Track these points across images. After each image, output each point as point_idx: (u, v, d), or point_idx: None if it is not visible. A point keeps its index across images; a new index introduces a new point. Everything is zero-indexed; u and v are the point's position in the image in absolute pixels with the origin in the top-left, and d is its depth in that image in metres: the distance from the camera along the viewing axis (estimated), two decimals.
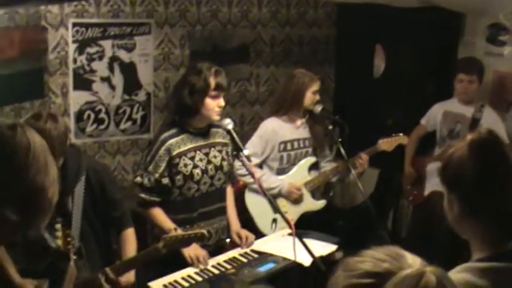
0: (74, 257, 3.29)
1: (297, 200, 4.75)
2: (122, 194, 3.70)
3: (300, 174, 4.78)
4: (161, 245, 3.27)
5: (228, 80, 4.19)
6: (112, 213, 3.57)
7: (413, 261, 1.31)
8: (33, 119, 3.11)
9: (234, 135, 3.63)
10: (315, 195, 4.94)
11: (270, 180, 4.62)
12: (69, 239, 3.33)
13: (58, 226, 3.33)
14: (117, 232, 3.66)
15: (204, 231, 3.36)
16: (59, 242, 3.32)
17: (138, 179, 3.81)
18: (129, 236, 3.63)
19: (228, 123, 3.70)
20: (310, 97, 4.61)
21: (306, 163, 4.80)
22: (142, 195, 3.80)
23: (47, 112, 3.35)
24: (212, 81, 3.70)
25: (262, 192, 3.51)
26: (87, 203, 3.37)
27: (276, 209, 3.57)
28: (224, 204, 4.06)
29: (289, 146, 4.70)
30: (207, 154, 3.87)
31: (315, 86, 4.63)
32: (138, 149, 5.88)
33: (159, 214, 3.81)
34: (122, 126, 5.84)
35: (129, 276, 3.44)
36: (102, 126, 5.75)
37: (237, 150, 3.59)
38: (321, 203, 4.94)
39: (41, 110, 3.49)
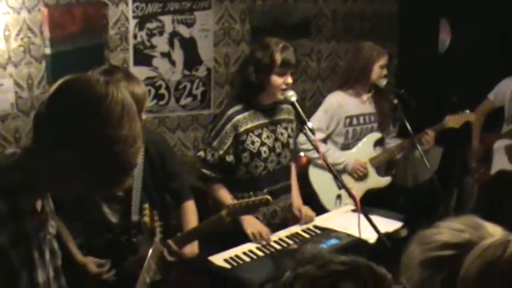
0: (160, 235, 3.27)
1: (361, 177, 4.67)
2: (181, 167, 3.66)
3: (364, 150, 4.70)
4: (224, 212, 3.20)
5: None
6: (171, 185, 3.49)
7: (494, 230, 1.22)
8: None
9: (298, 107, 3.54)
10: (379, 171, 4.85)
11: (335, 155, 4.54)
12: (155, 217, 3.32)
13: (120, 194, 3.29)
14: (176, 205, 3.58)
15: (268, 196, 3.26)
16: (146, 218, 3.30)
17: (201, 153, 3.76)
18: (190, 208, 3.55)
19: (292, 95, 3.61)
20: (377, 71, 4.51)
21: (371, 139, 4.71)
22: (205, 170, 3.75)
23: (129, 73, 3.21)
24: (278, 58, 3.59)
25: (328, 167, 3.44)
26: (147, 177, 3.33)
27: (341, 185, 3.48)
28: (289, 182, 3.98)
29: (354, 121, 4.61)
30: (273, 131, 3.79)
31: (383, 60, 4.52)
32: (198, 124, 5.88)
33: (220, 190, 3.75)
34: (182, 101, 5.83)
35: (193, 248, 3.37)
36: (162, 102, 5.74)
37: (301, 123, 3.51)
38: (385, 180, 4.85)
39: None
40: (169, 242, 3.18)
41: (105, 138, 1.62)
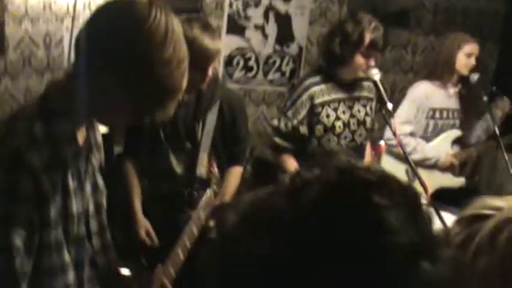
0: (214, 188, 3.26)
1: (450, 168, 4.51)
2: (248, 132, 3.61)
3: (442, 147, 4.53)
4: None
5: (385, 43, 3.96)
6: (233, 147, 3.47)
7: None
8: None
9: (380, 86, 3.46)
10: (454, 171, 4.68)
11: (426, 149, 4.40)
12: (212, 168, 3.31)
13: (188, 146, 3.30)
14: (227, 167, 3.53)
15: None
16: (202, 169, 3.30)
17: (275, 122, 3.73)
18: (237, 173, 3.51)
19: (375, 73, 3.51)
20: (462, 59, 4.33)
21: (450, 135, 4.54)
22: (276, 139, 3.72)
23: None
24: (367, 37, 3.50)
25: (404, 155, 3.34)
26: (217, 133, 3.33)
27: (415, 175, 3.36)
28: (363, 161, 3.88)
29: (437, 114, 4.45)
30: (350, 107, 3.72)
31: (470, 48, 4.34)
32: (283, 101, 5.83)
33: (290, 162, 3.71)
34: (270, 76, 5.79)
35: None
36: (250, 74, 5.73)
37: (381, 103, 3.42)
38: (459, 181, 4.66)
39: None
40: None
41: (148, 59, 1.59)
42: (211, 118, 3.28)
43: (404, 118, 4.22)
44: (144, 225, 3.23)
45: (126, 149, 3.43)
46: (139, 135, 3.28)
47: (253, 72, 5.74)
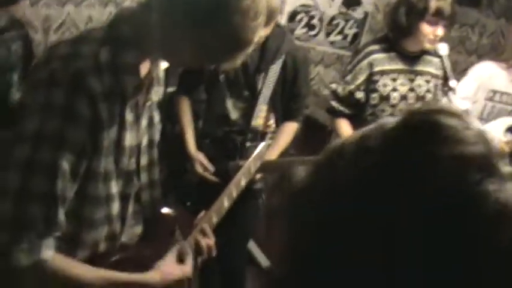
0: (269, 141, 3.25)
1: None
2: (308, 90, 3.58)
3: (495, 131, 4.39)
4: None
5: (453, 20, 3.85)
6: (291, 103, 3.45)
7: None
8: None
9: (446, 62, 3.37)
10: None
11: None
12: (270, 122, 3.30)
13: (246, 95, 3.29)
14: (281, 122, 3.51)
15: None
16: (260, 121, 3.29)
17: (334, 85, 3.72)
18: (292, 129, 3.50)
19: (442, 47, 3.43)
20: None
21: (505, 122, 4.41)
22: (333, 103, 3.70)
23: None
24: (433, 5, 3.39)
25: None
26: (278, 87, 3.31)
27: None
28: None
29: (497, 97, 4.33)
30: (411, 80, 3.64)
31: None
32: (341, 65, 5.75)
33: (345, 127, 3.68)
34: (332, 38, 5.72)
35: None
36: (312, 33, 5.65)
37: (445, 79, 3.35)
38: None
39: None
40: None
41: (224, 5, 1.54)
42: (274, 70, 3.26)
43: (464, 94, 4.11)
44: (199, 159, 3.26)
45: (181, 86, 3.43)
46: (196, 75, 3.28)
47: (315, 31, 5.67)
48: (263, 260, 4.88)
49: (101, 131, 1.60)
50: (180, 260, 1.89)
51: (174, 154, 3.30)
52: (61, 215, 1.58)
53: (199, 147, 3.32)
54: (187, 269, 1.89)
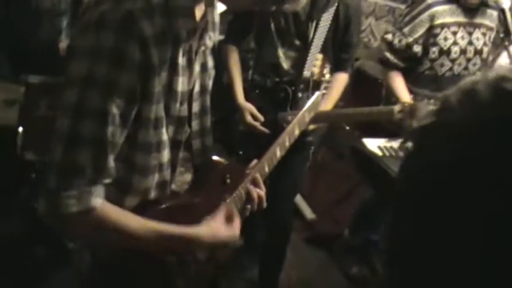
0: (324, 91, 3.18)
1: None
2: (359, 40, 3.50)
3: None
4: (398, 108, 3.00)
5: None
6: (342, 53, 3.37)
7: None
8: None
9: (508, 15, 3.24)
10: None
11: None
12: (325, 71, 3.23)
13: (297, 44, 3.22)
14: (332, 72, 3.43)
15: None
16: (316, 69, 3.22)
17: (389, 36, 3.60)
18: (343, 80, 3.42)
19: (504, 1, 3.31)
20: None
21: None
22: (388, 54, 3.60)
23: None
24: None
25: None
26: (329, 36, 3.22)
27: None
28: None
29: None
30: (470, 34, 3.53)
31: None
32: (392, 17, 5.63)
33: (398, 80, 3.59)
34: None
35: None
36: None
37: (506, 33, 3.23)
38: None
39: None
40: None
41: None
42: (326, 19, 3.17)
43: None
44: (248, 108, 3.22)
45: (230, 34, 3.37)
46: (246, 24, 3.21)
47: None
48: (308, 213, 4.87)
49: (151, 76, 1.55)
50: (227, 219, 1.84)
51: (221, 103, 3.27)
52: (111, 162, 1.55)
53: (248, 97, 3.27)
54: (236, 231, 1.84)
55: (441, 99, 0.79)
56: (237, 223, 1.84)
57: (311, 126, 3.09)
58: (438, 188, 0.72)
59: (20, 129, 3.42)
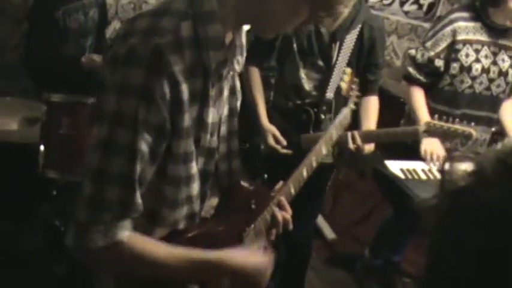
0: (352, 107, 3.16)
1: None
2: (383, 61, 3.47)
3: None
4: (422, 128, 2.98)
5: None
6: (368, 75, 3.33)
7: None
8: None
9: None
10: None
11: None
12: (354, 86, 3.21)
13: (321, 65, 3.20)
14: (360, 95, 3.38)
15: (473, 131, 2.94)
16: (344, 84, 3.20)
17: (413, 51, 3.61)
18: (374, 103, 3.38)
19: None
20: None
21: None
22: (411, 69, 3.60)
23: None
24: None
25: None
26: (353, 57, 3.20)
27: None
28: (494, 116, 3.65)
29: None
30: (495, 54, 3.49)
31: None
32: (415, 35, 5.60)
33: (419, 97, 3.57)
34: (406, 7, 5.55)
35: (371, 147, 3.23)
36: (386, 1, 5.50)
37: None
38: None
39: None
40: (356, 132, 3.05)
41: None
42: (350, 41, 3.15)
43: None
44: (272, 131, 3.18)
45: (251, 55, 3.35)
46: (267, 44, 3.19)
47: (390, 0, 5.50)
48: (328, 232, 4.83)
49: (181, 112, 1.52)
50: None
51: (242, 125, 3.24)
52: (138, 198, 1.53)
53: (270, 119, 3.24)
54: (270, 259, 1.83)
55: (476, 163, 0.77)
56: (270, 256, 1.84)
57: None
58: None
59: (42, 147, 3.42)
